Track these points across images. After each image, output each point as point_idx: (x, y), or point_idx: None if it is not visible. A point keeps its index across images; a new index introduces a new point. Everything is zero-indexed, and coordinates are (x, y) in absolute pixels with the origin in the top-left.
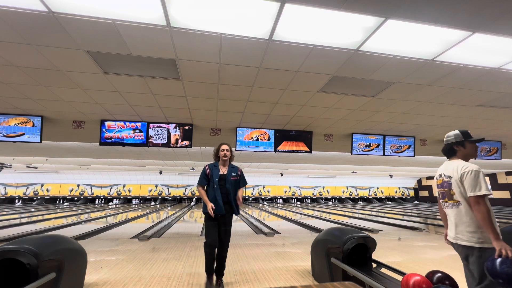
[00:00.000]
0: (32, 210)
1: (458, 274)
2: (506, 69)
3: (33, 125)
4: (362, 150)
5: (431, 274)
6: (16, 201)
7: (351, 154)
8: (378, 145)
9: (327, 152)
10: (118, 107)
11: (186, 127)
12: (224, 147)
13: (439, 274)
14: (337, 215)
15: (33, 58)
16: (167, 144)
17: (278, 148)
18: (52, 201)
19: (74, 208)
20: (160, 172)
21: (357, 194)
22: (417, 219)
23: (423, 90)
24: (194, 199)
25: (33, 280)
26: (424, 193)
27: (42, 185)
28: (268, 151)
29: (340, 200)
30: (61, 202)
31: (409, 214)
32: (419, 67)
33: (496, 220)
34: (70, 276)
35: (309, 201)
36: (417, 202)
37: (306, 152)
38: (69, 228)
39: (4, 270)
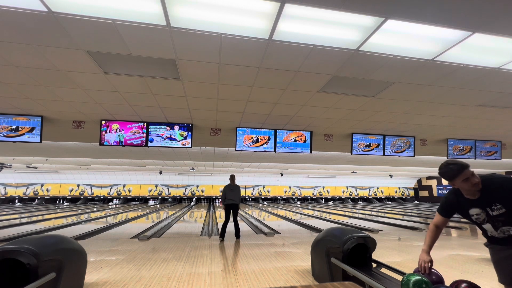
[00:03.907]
0: (32, 210)
1: (458, 273)
2: (506, 69)
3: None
4: (362, 150)
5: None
6: (16, 201)
7: (351, 154)
8: (378, 145)
9: (327, 152)
10: (118, 107)
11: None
12: None
13: (465, 284)
14: (337, 215)
15: (33, 58)
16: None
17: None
18: (52, 201)
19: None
20: (160, 172)
21: (357, 194)
22: (417, 219)
23: (423, 90)
24: (194, 199)
25: (33, 280)
26: (424, 193)
27: (42, 185)
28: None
29: (340, 200)
30: (61, 202)
31: (409, 214)
32: (419, 67)
33: None
34: (70, 276)
35: (309, 201)
36: (417, 202)
37: None
38: (69, 228)
39: (4, 270)
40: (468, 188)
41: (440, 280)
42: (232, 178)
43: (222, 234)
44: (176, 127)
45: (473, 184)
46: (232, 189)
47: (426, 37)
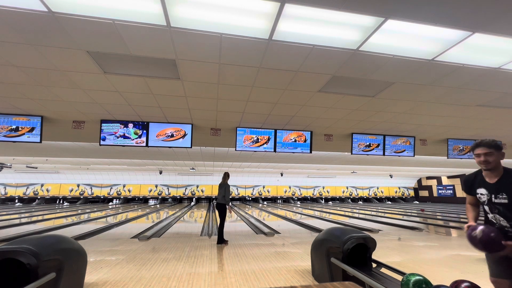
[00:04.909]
0: (32, 210)
1: (458, 273)
2: (506, 69)
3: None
4: (362, 150)
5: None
6: (16, 201)
7: (351, 154)
8: (378, 145)
9: (327, 152)
10: (118, 107)
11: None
12: None
13: (465, 284)
14: (337, 215)
15: (33, 58)
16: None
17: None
18: (52, 201)
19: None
20: (160, 172)
21: (357, 194)
22: (417, 219)
23: (423, 90)
24: (194, 199)
25: (33, 280)
26: (424, 193)
27: (42, 185)
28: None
29: (340, 200)
30: (61, 202)
31: (409, 214)
32: (419, 67)
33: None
34: (70, 276)
35: (309, 201)
36: (417, 202)
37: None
38: (69, 228)
39: (4, 270)
40: (477, 163)
41: None
42: (223, 175)
43: (220, 237)
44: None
45: (478, 161)
46: (220, 186)
47: (426, 37)
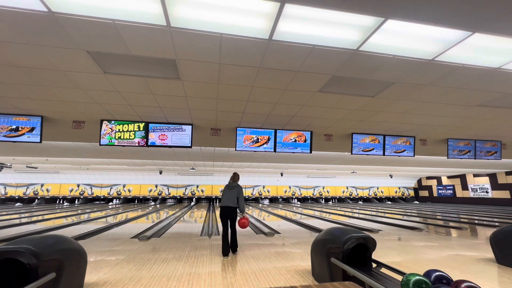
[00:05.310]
0: (32, 210)
1: (458, 273)
2: (506, 69)
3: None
4: (362, 150)
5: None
6: (16, 201)
7: (351, 154)
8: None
9: (327, 152)
10: (118, 107)
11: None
12: None
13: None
14: (337, 215)
15: (33, 58)
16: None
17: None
18: (52, 201)
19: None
20: (160, 172)
21: (357, 194)
22: (417, 219)
23: (423, 90)
24: (194, 199)
25: (33, 280)
26: (424, 193)
27: (42, 185)
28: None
29: (340, 200)
30: (61, 202)
31: (409, 214)
32: (419, 67)
33: (497, 220)
34: (70, 276)
35: (309, 201)
36: (417, 202)
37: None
38: (69, 228)
39: (4, 270)
40: None
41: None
42: (233, 176)
43: (224, 249)
44: None
45: None
46: (230, 188)
47: (426, 37)
